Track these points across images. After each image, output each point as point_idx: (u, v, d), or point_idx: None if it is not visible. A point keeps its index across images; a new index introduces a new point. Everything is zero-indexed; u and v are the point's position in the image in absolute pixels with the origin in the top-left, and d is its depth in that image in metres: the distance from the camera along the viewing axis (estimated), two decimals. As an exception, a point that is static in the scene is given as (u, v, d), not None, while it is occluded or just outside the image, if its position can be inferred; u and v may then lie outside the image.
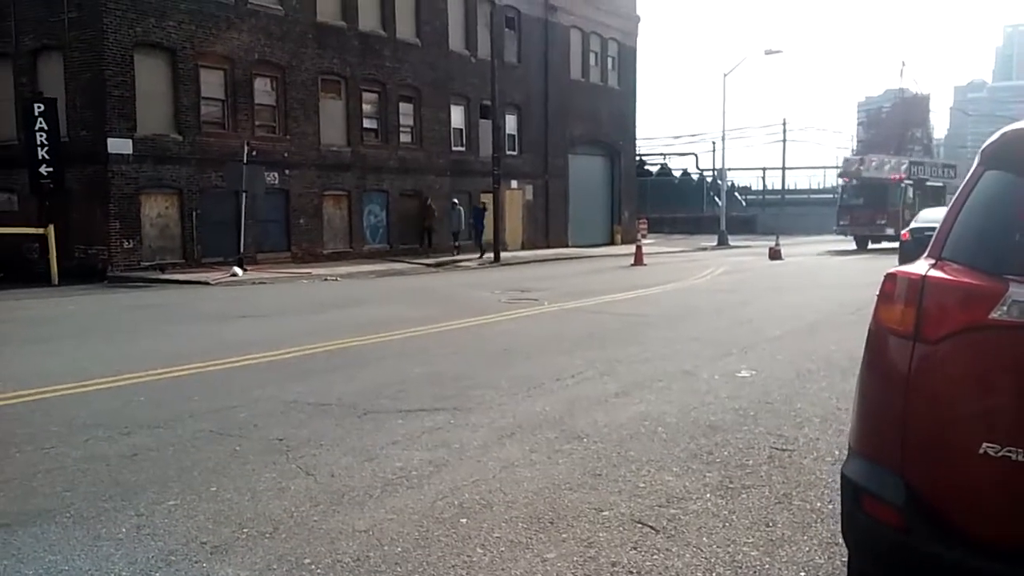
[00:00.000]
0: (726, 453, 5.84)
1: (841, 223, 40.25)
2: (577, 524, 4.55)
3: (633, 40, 47.14)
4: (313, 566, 4.06)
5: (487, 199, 33.48)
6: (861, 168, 40.46)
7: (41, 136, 23.59)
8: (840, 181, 42.36)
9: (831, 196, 60.52)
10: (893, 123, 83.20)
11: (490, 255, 31.11)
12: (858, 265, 27.69)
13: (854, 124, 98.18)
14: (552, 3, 40.20)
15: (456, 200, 33.51)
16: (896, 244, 29.18)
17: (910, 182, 39.75)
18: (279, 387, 8.21)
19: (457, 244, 32.63)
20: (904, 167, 40.76)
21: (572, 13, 41.66)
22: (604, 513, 4.70)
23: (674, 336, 11.68)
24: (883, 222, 37.39)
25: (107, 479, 5.41)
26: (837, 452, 5.75)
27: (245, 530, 4.50)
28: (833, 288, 18.93)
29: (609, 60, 45.22)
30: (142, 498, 5.00)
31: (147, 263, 24.51)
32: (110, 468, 5.65)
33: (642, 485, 5.17)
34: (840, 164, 42.19)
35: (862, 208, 38.82)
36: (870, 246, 38.68)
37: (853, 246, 39.52)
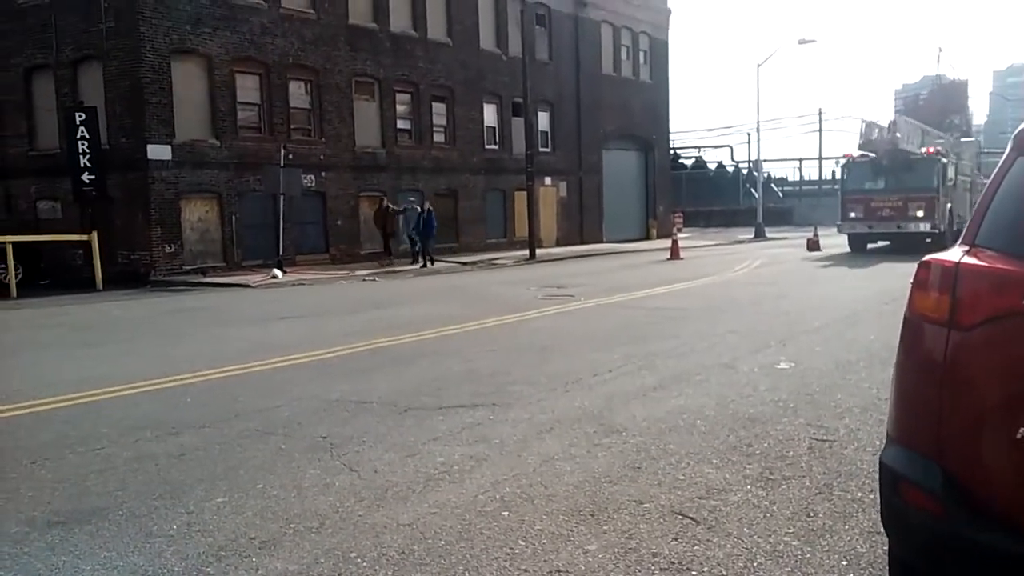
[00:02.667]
0: (766, 445, 5.85)
1: (851, 216, 28.38)
2: (617, 516, 4.59)
3: (664, 33, 46.90)
4: (359, 560, 4.15)
5: (519, 196, 33.48)
6: (897, 136, 27.46)
7: (83, 144, 24.04)
8: (843, 159, 30.19)
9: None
10: (931, 110, 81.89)
11: (437, 265, 27.19)
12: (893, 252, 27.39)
13: (891, 112, 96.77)
14: (582, -1, 40.13)
15: (413, 199, 29.54)
16: (934, 246, 23.30)
17: (950, 160, 29.24)
18: (321, 386, 8.34)
19: (418, 250, 27.86)
20: (920, 136, 29.49)
21: (602, 8, 41.55)
22: (644, 505, 4.74)
23: (712, 330, 11.65)
24: (919, 214, 26.98)
25: (157, 478, 5.55)
26: (878, 442, 5.73)
27: (292, 525, 4.60)
28: (870, 279, 18.72)
29: (641, 54, 45.03)
30: (191, 496, 5.13)
31: (188, 267, 24.89)
32: (159, 467, 5.79)
33: (682, 477, 5.20)
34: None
35: (885, 194, 27.71)
36: (870, 246, 29.29)
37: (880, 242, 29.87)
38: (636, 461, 5.55)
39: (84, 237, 23.40)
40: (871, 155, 28.34)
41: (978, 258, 2.79)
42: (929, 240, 26.42)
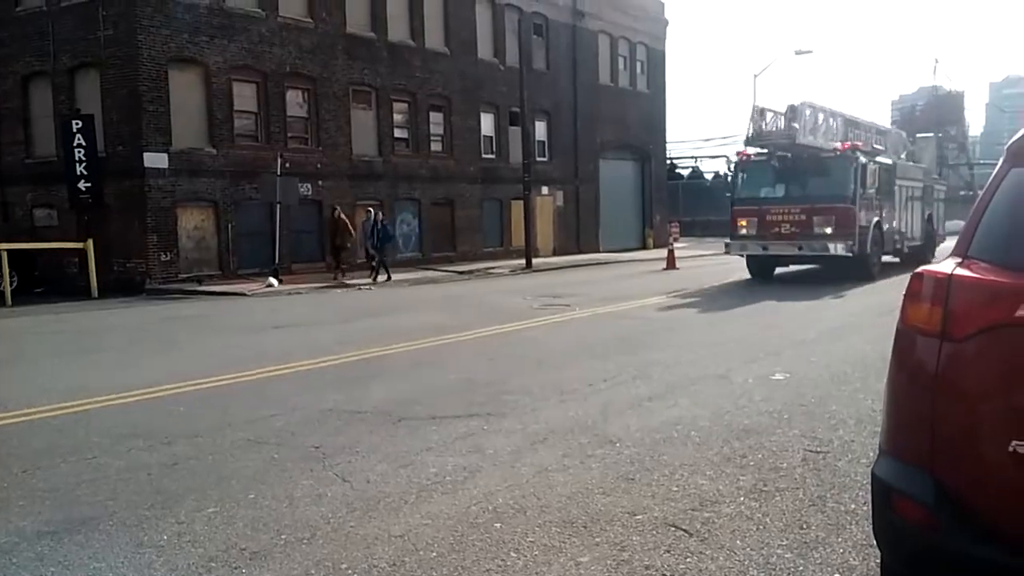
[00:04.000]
0: (760, 456, 5.84)
1: (741, 233, 21.56)
2: (610, 528, 4.57)
3: (661, 44, 47.03)
4: (350, 571, 4.12)
5: (516, 206, 33.53)
6: (794, 127, 20.69)
7: (79, 152, 24.02)
8: (735, 158, 22.75)
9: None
10: (927, 121, 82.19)
11: (387, 277, 25.10)
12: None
13: (888, 123, 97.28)
14: (580, 9, 40.24)
15: (371, 209, 27.53)
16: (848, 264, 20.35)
17: (866, 158, 21.39)
18: (315, 396, 8.31)
19: (377, 261, 25.67)
20: (838, 130, 23.01)
21: (600, 18, 41.67)
22: (637, 517, 4.72)
23: (708, 340, 11.64)
24: (827, 230, 20.27)
25: (148, 488, 5.52)
26: (872, 453, 5.71)
27: (283, 536, 4.57)
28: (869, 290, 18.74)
29: (638, 64, 45.14)
30: (182, 506, 5.10)
31: (184, 275, 24.84)
32: (151, 477, 5.76)
33: (675, 489, 5.19)
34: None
35: (784, 203, 21.00)
36: (780, 270, 22.93)
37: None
38: (629, 472, 5.53)
39: (80, 245, 23.36)
40: (768, 157, 21.75)
41: (971, 270, 2.78)
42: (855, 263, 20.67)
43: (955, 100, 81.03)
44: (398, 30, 31.74)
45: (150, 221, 24.26)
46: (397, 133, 32.04)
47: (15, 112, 27.40)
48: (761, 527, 4.54)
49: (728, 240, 22.39)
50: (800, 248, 20.61)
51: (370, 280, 24.70)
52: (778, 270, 22.94)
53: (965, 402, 2.66)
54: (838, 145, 21.30)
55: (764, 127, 21.31)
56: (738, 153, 22.53)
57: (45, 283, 24.31)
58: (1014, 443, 2.51)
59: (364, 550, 4.36)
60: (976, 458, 2.63)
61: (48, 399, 8.38)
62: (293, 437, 6.70)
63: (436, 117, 33.55)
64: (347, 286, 23.71)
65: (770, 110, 21.64)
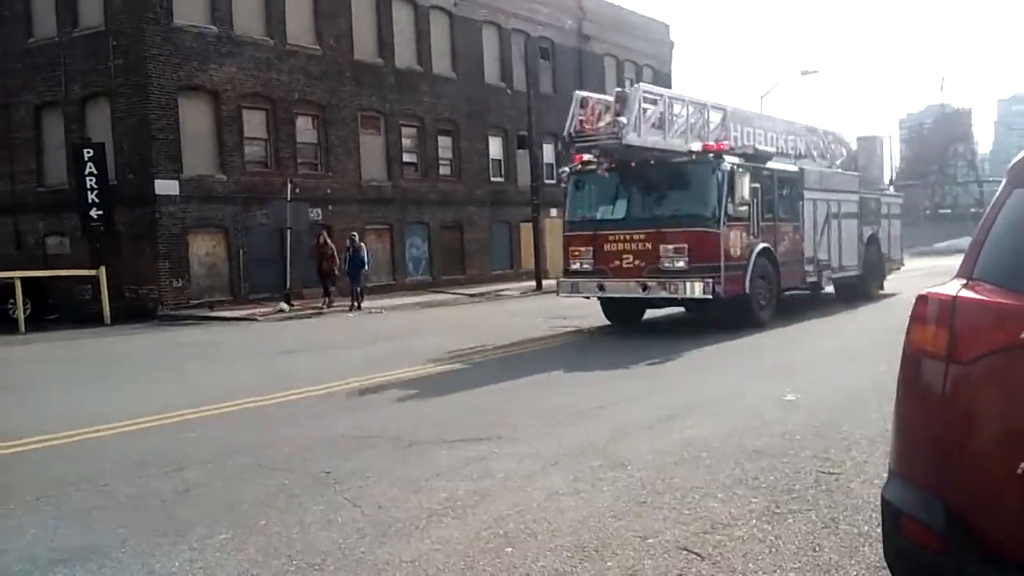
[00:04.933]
0: (772, 478, 5.81)
1: (573, 267, 16.03)
2: (622, 552, 4.56)
3: (668, 66, 47.22)
4: (361, 597, 4.12)
5: (525, 228, 33.57)
6: (619, 121, 14.59)
7: (91, 180, 24.22)
8: (571, 168, 16.72)
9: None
10: (935, 139, 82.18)
11: (365, 304, 24.52)
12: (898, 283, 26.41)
13: (896, 141, 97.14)
14: (586, 33, 40.47)
15: (354, 235, 26.25)
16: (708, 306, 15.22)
17: (738, 162, 15.59)
18: (325, 421, 8.33)
19: (361, 287, 24.84)
20: (716, 127, 16.91)
21: (605, 42, 41.89)
22: (649, 540, 4.71)
23: (720, 360, 11.62)
24: (679, 264, 14.70)
25: (160, 515, 5.53)
26: (885, 475, 5.67)
27: (294, 562, 4.58)
28: (877, 309, 18.66)
29: (645, 86, 45.24)
30: (194, 533, 5.11)
31: (196, 301, 24.95)
32: (163, 504, 5.78)
33: (687, 512, 5.17)
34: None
35: (626, 226, 15.38)
36: (649, 315, 17.46)
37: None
38: (641, 495, 5.51)
39: (92, 272, 23.52)
40: (597, 166, 15.83)
41: (975, 292, 2.79)
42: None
43: (963, 117, 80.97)
44: (405, 56, 31.98)
45: (161, 248, 24.40)
46: (406, 158, 32.21)
47: (28, 142, 27.67)
48: (774, 550, 4.52)
49: (560, 278, 16.86)
50: (645, 289, 14.62)
51: (347, 306, 24.04)
52: (651, 312, 17.45)
53: (973, 424, 2.66)
54: (696, 146, 15.24)
55: (589, 123, 15.21)
56: (574, 160, 16.42)
57: (58, 310, 24.46)
58: (1022, 465, 2.51)
59: (375, 576, 4.36)
60: (984, 481, 2.63)
61: (60, 426, 8.41)
62: (304, 463, 6.71)
63: (444, 141, 33.72)
64: (333, 312, 23.68)
65: (598, 98, 15.82)
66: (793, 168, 17.97)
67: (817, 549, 4.51)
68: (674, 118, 15.72)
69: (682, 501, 5.36)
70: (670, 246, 14.57)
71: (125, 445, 7.60)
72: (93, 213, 24.46)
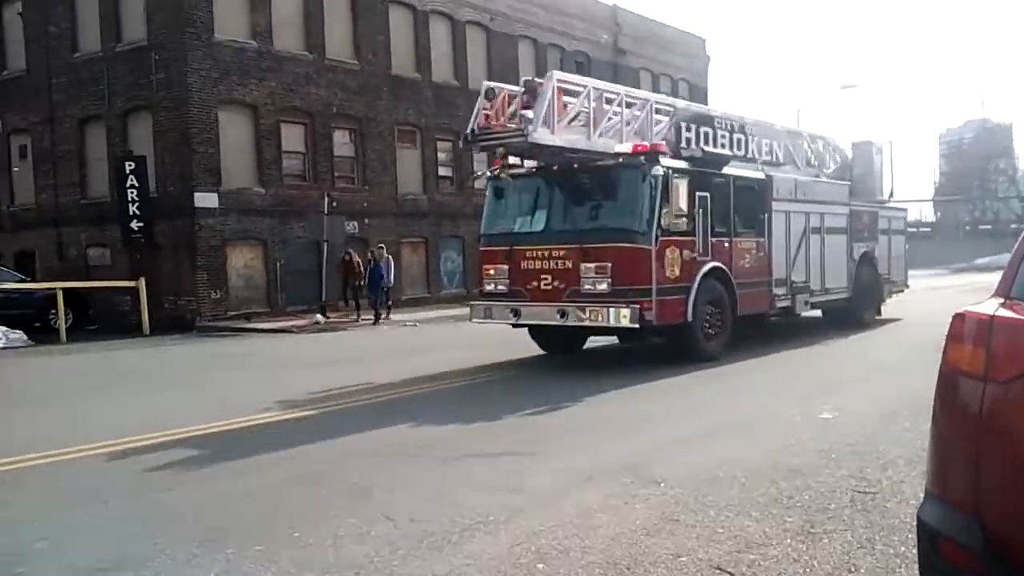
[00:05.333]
0: (807, 497, 5.75)
1: (487, 288, 13.73)
2: (654, 570, 4.53)
3: (704, 80, 47.09)
4: (393, 611, 4.13)
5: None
6: (525, 116, 12.49)
7: (132, 192, 24.62)
8: (490, 171, 14.05)
9: (915, 229, 53.86)
10: (976, 154, 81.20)
11: (396, 316, 24.92)
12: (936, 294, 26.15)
13: (936, 156, 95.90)
14: (621, 47, 40.50)
15: (379, 247, 25.95)
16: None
17: (678, 166, 13.18)
18: (361, 433, 8.37)
19: (382, 300, 25.08)
20: (663, 128, 14.20)
21: (641, 56, 41.88)
22: (682, 559, 4.67)
23: (756, 377, 11.52)
24: (601, 286, 12.26)
25: (196, 525, 5.59)
26: (922, 494, 5.59)
27: (327, 575, 4.60)
28: (918, 325, 18.36)
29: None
30: (229, 544, 5.15)
31: (233, 312, 25.22)
32: (199, 514, 5.84)
33: (720, 531, 5.13)
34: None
35: (545, 240, 13.00)
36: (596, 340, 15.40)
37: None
38: (674, 513, 5.48)
39: (132, 283, 23.87)
40: (525, 165, 13.84)
41: (1013, 311, 2.76)
42: (711, 331, 13.30)
43: (1004, 132, 79.91)
44: (442, 70, 32.21)
45: (200, 259, 24.72)
46: (441, 171, 32.39)
47: (71, 154, 28.20)
48: (808, 570, 4.47)
49: (474, 303, 14.54)
50: (563, 315, 12.40)
51: (371, 320, 24.27)
52: (593, 340, 15.28)
53: (1010, 445, 2.62)
54: (624, 147, 12.86)
55: (495, 117, 13.03)
56: (495, 163, 13.48)
57: (98, 321, 24.84)
58: None
59: (407, 590, 4.37)
60: (1022, 501, 2.59)
61: (95, 437, 8.54)
62: (338, 475, 6.75)
63: (480, 155, 33.82)
64: (362, 325, 23.84)
65: (510, 90, 13.54)
66: (757, 175, 15.10)
67: (853, 570, 4.45)
68: (608, 115, 13.39)
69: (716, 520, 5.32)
70: (591, 265, 12.21)
71: (161, 457, 7.70)
72: (134, 225, 24.84)
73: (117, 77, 26.52)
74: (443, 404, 10.09)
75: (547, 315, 12.75)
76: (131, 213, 24.73)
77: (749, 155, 15.72)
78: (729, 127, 15.49)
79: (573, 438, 7.93)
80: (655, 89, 42.74)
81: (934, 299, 23.19)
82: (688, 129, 14.38)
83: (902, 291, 20.86)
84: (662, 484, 6.12)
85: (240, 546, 5.12)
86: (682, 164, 13.26)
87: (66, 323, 22.26)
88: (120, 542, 5.30)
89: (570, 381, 11.60)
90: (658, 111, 14.31)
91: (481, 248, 14.22)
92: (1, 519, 5.89)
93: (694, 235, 13.02)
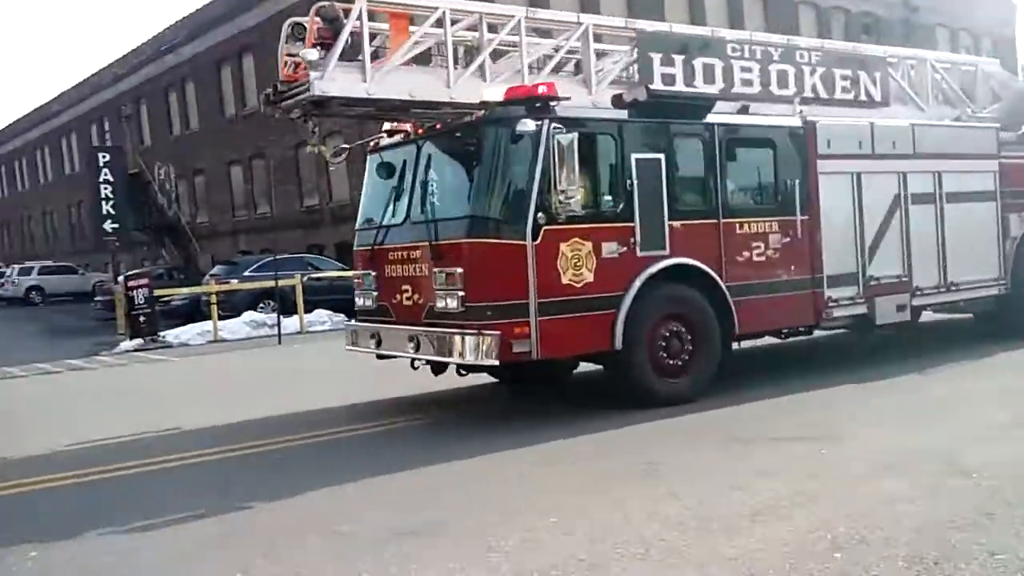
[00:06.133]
0: None
1: (358, 305, 10.02)
2: (967, 567, 4.21)
3: (1011, 30, 42.51)
4: (685, 590, 4.15)
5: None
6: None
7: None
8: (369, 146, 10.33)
9: None
10: None
11: None
12: None
13: None
14: (913, 3, 37.48)
15: None
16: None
17: (591, 118, 8.88)
18: (651, 411, 8.41)
19: None
20: (620, 63, 10.37)
21: (936, 11, 38.54)
22: (999, 556, 4.30)
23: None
24: (450, 303, 8.32)
25: (494, 497, 5.94)
26: None
27: (618, 550, 4.70)
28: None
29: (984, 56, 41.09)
30: (527, 516, 5.41)
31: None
32: (502, 485, 6.23)
33: (1045, 528, 4.66)
34: None
35: (401, 236, 9.27)
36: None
37: None
38: (989, 507, 5.04)
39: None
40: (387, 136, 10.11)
41: None
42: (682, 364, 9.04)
43: None
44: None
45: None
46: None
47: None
48: None
49: (347, 321, 11.90)
50: (416, 345, 8.77)
51: None
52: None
53: None
54: (496, 93, 8.66)
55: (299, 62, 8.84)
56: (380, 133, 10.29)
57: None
58: None
59: (697, 570, 4.37)
60: None
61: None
62: (627, 452, 6.87)
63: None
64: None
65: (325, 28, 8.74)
66: (780, 121, 10.31)
67: None
68: (500, 49, 9.82)
69: (1039, 516, 4.84)
70: (443, 271, 8.44)
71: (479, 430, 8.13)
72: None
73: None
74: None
75: (401, 344, 9.06)
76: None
77: (804, 91, 11.16)
78: (754, 54, 10.93)
79: (869, 424, 7.54)
80: (953, 47, 39.21)
81: None
82: (668, 62, 10.23)
83: None
84: (974, 476, 5.66)
85: (537, 518, 5.34)
86: (602, 113, 9.17)
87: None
88: (408, 510, 5.73)
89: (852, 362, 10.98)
90: (604, 39, 10.57)
91: (355, 250, 10.36)
92: None
93: (630, 219, 8.77)
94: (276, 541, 5.28)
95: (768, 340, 11.11)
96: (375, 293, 9.60)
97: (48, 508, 6.55)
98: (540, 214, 8.23)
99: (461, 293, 8.22)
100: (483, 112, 8.61)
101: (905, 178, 11.03)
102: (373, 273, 9.65)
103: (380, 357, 9.56)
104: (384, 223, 9.60)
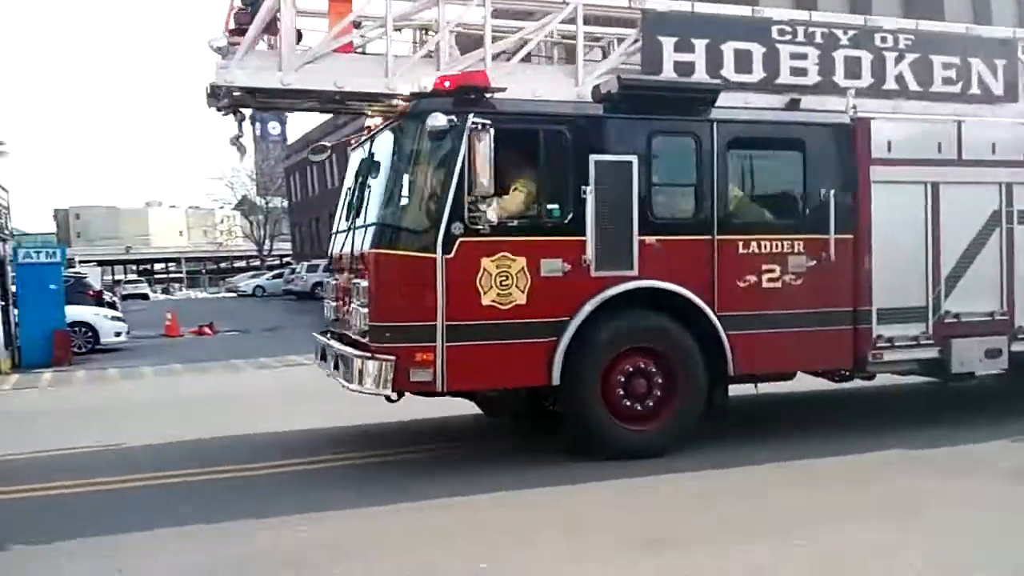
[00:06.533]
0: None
1: (326, 312, 9.35)
2: None
3: None
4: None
5: None
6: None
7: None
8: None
9: None
10: None
11: None
12: None
13: None
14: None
15: None
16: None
17: (503, 111, 7.42)
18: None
19: None
20: (626, 47, 8.70)
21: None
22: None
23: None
24: (360, 322, 7.68)
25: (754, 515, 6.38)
26: None
27: None
28: None
29: None
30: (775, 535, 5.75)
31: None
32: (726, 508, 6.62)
33: None
34: None
35: (345, 243, 8.53)
36: None
37: None
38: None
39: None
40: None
41: None
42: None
43: None
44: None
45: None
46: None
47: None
48: None
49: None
50: (336, 367, 8.11)
51: None
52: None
53: None
54: (424, 86, 7.59)
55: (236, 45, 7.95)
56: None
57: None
58: None
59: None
60: None
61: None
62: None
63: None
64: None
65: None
66: (804, 118, 8.68)
67: None
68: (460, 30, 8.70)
69: None
70: (357, 284, 7.84)
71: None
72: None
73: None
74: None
75: (330, 361, 8.35)
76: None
77: (887, 83, 9.18)
78: (812, 37, 8.91)
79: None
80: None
81: None
82: (685, 47, 8.48)
83: None
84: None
85: (781, 542, 5.68)
86: (548, 108, 7.94)
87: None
88: (678, 523, 6.28)
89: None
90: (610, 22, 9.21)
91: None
92: None
93: (580, 232, 7.64)
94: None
95: (819, 383, 9.28)
96: (333, 304, 8.91)
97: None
98: (457, 224, 7.25)
99: (364, 311, 7.50)
100: (407, 105, 7.67)
101: (1009, 190, 9.02)
102: (332, 281, 9.10)
103: (330, 375, 8.29)
104: (339, 228, 9.09)
